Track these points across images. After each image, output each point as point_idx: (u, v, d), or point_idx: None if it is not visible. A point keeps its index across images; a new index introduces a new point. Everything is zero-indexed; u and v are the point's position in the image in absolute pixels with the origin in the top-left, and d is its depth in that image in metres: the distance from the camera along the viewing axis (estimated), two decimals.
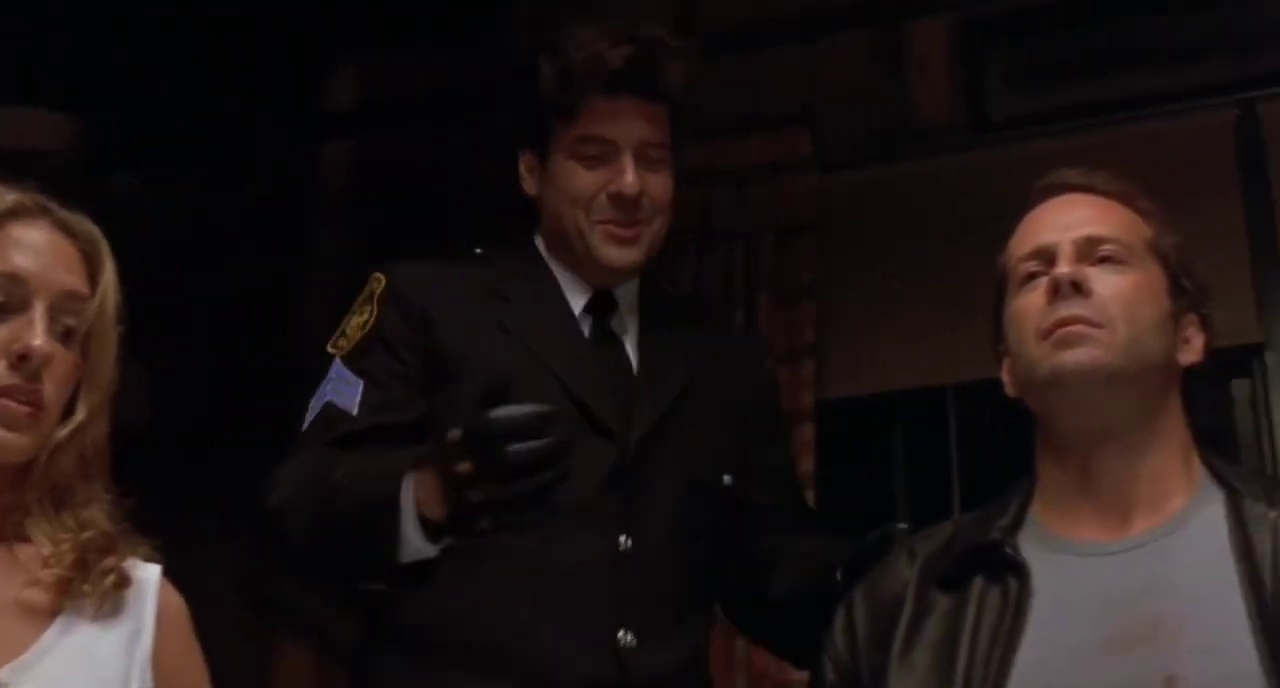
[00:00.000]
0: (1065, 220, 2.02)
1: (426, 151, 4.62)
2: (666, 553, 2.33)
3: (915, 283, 3.96)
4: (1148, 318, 1.95)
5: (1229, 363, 3.80)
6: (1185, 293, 2.02)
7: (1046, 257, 1.99)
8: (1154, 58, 4.05)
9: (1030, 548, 1.93)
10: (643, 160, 2.44)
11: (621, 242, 2.44)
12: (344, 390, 2.38)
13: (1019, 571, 1.89)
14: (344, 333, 2.45)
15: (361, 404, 2.36)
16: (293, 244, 4.65)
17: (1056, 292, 1.94)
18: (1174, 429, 1.98)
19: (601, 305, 2.49)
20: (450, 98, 4.58)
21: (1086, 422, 1.94)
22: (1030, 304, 1.97)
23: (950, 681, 1.84)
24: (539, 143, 2.48)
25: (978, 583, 1.92)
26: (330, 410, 2.37)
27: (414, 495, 2.17)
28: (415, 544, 2.18)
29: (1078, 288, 1.93)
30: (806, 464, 3.90)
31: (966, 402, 3.98)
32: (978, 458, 3.99)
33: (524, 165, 2.53)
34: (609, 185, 2.42)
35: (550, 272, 2.50)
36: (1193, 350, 2.01)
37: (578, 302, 2.48)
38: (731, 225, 4.17)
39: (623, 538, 2.30)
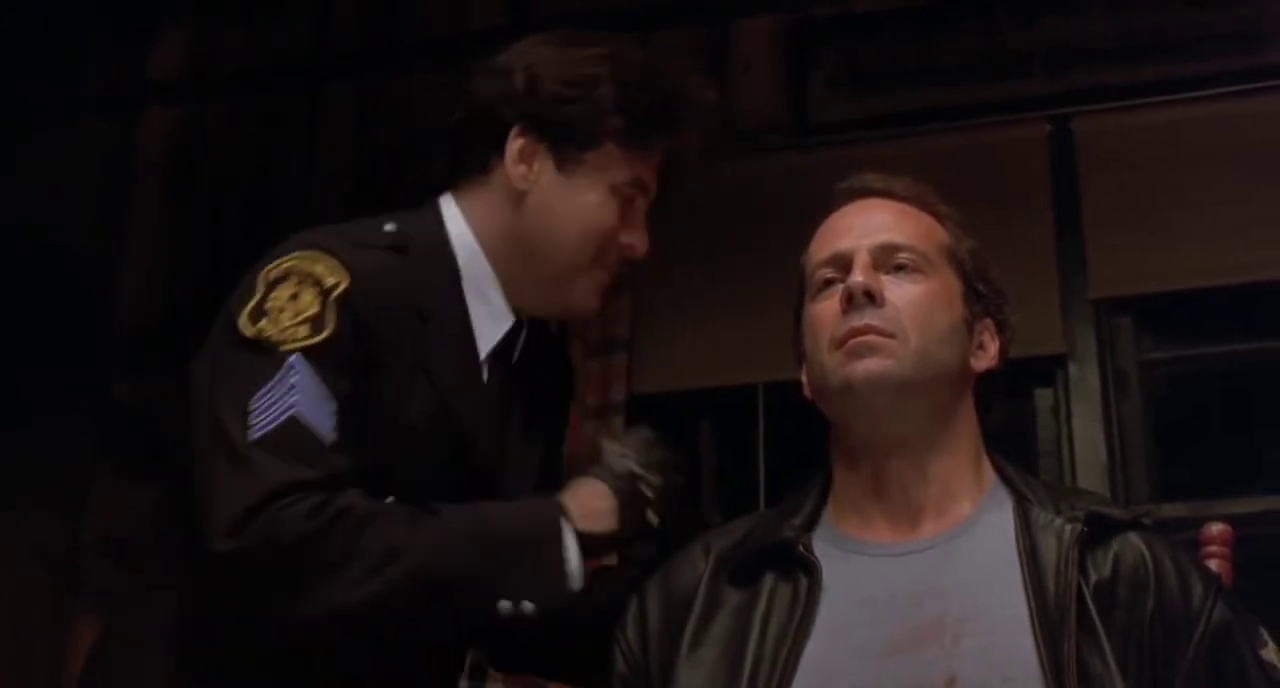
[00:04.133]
0: (863, 226, 2.04)
1: (254, 122, 4.57)
2: None
3: (729, 281, 3.98)
4: (941, 326, 1.98)
5: (1032, 372, 3.89)
6: (981, 299, 2.05)
7: (843, 263, 2.01)
8: (973, 70, 4.10)
9: (822, 547, 1.95)
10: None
11: (602, 294, 2.25)
12: (315, 407, 1.96)
13: (810, 569, 1.91)
14: (277, 315, 2.01)
15: (340, 435, 1.97)
16: (114, 213, 4.57)
17: (850, 301, 1.96)
18: (966, 435, 2.01)
19: (513, 334, 2.21)
20: (281, 69, 4.54)
21: (877, 430, 1.96)
22: (825, 311, 1.99)
23: (738, 675, 1.86)
24: (571, 145, 2.18)
25: (769, 580, 1.93)
26: (298, 429, 1.94)
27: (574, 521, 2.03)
28: (575, 567, 2.03)
29: (871, 297, 1.95)
30: None
31: (775, 400, 4.00)
32: (785, 457, 4.02)
33: (519, 147, 2.19)
34: (624, 234, 2.20)
35: (460, 284, 2.17)
36: (987, 357, 2.04)
37: (496, 328, 2.17)
38: None
39: None
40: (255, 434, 1.93)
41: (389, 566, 1.91)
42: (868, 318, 1.95)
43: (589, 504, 2.07)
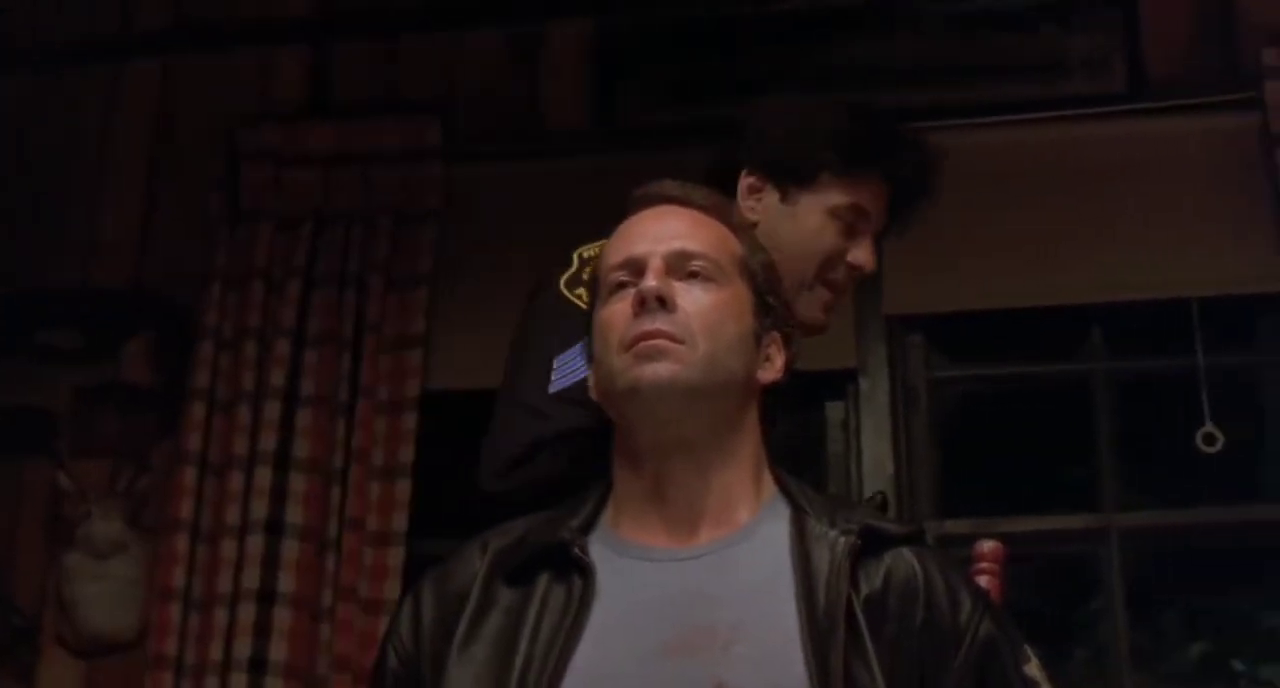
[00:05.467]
0: (658, 232, 2.05)
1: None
2: None
3: (528, 280, 3.95)
4: (730, 335, 1.99)
5: (824, 385, 3.93)
6: (770, 311, 2.07)
7: (636, 267, 2.02)
8: (780, 85, 4.13)
9: (599, 550, 1.95)
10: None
11: (829, 307, 2.59)
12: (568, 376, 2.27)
13: (584, 571, 1.91)
14: (575, 292, 2.35)
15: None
16: None
17: (642, 305, 1.97)
18: (748, 445, 2.02)
19: None
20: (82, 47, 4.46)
21: (662, 434, 1.97)
22: (617, 314, 2.00)
23: (507, 674, 1.86)
24: (792, 180, 2.54)
25: (544, 581, 1.93)
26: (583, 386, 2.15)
27: None
28: None
29: (663, 303, 1.96)
30: (406, 454, 3.90)
31: None
32: None
33: (748, 185, 2.57)
34: (850, 254, 2.56)
35: None
36: (773, 369, 2.06)
37: None
38: (352, 207, 4.13)
39: None
40: (554, 387, 2.26)
41: None
42: (658, 323, 1.96)
43: None
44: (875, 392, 3.94)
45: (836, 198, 2.54)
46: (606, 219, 2.18)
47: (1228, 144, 3.95)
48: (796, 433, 2.26)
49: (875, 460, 3.88)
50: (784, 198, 2.56)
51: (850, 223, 2.54)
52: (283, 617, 3.79)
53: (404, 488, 3.89)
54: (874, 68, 4.11)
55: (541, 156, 4.20)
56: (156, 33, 4.42)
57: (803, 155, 2.55)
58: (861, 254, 2.56)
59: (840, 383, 3.96)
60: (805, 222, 2.54)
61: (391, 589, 3.76)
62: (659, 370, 1.94)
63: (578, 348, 2.22)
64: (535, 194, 4.12)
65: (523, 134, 4.23)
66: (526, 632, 1.89)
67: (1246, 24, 4.03)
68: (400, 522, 3.86)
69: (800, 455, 2.17)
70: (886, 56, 4.12)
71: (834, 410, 4.01)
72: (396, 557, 3.83)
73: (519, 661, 1.86)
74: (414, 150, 4.14)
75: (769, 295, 2.08)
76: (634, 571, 1.94)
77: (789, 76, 4.13)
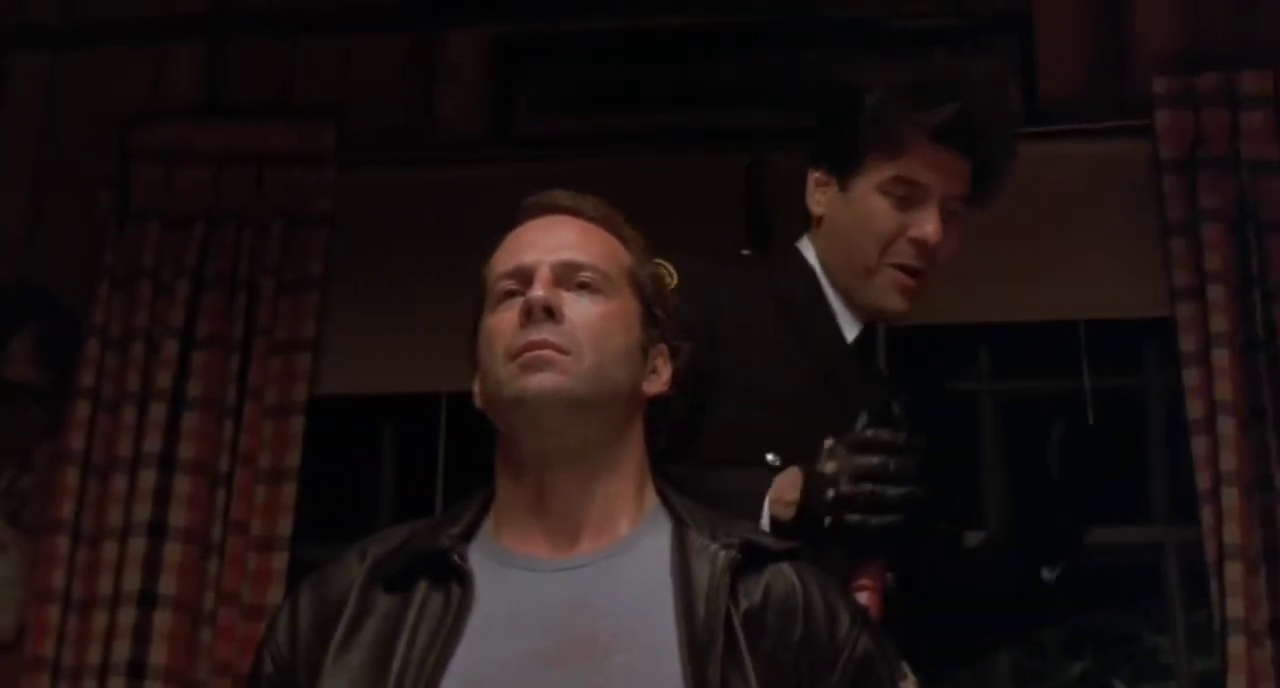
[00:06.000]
0: (548, 242, 2.05)
1: None
2: None
3: (421, 288, 3.96)
4: (617, 347, 1.99)
5: None
6: (658, 324, 2.08)
7: (525, 277, 2.01)
8: (679, 98, 4.15)
9: (478, 559, 1.95)
10: (944, 212, 2.48)
11: (905, 289, 2.50)
12: None
13: (463, 579, 1.91)
14: None
15: None
16: None
17: (529, 314, 1.96)
18: (632, 457, 2.03)
19: (870, 340, 2.58)
20: None
21: (545, 445, 1.97)
22: (503, 323, 2.00)
23: (383, 681, 1.85)
24: (844, 167, 2.50)
25: (422, 588, 1.92)
26: None
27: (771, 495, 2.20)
28: None
29: (550, 313, 1.96)
30: (293, 458, 3.88)
31: (459, 410, 4.00)
32: (466, 466, 4.02)
33: (815, 181, 2.55)
34: (910, 229, 2.47)
35: (823, 292, 2.53)
36: (659, 381, 2.07)
37: (849, 331, 2.52)
38: (244, 209, 4.08)
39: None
40: None
41: None
42: (545, 333, 1.95)
43: (782, 493, 2.20)
44: None
45: (881, 174, 2.47)
46: (502, 228, 2.16)
47: (1119, 170, 3.99)
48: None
49: None
50: (843, 188, 2.51)
51: (903, 196, 2.47)
52: (163, 620, 3.76)
53: (289, 492, 3.87)
54: (768, 84, 4.13)
55: (437, 163, 4.17)
56: (46, 26, 4.35)
57: (844, 140, 2.50)
58: (922, 228, 2.47)
59: None
60: (859, 206, 2.49)
61: (275, 594, 3.73)
62: (544, 381, 1.93)
63: None
64: (430, 201, 4.10)
65: (419, 140, 4.21)
66: (404, 639, 1.88)
67: (1139, 53, 4.09)
68: (285, 526, 3.84)
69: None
70: (782, 74, 4.12)
71: None
72: (280, 562, 3.81)
73: (395, 667, 1.85)
74: (308, 153, 4.10)
75: (657, 307, 2.09)
76: (514, 580, 1.93)
77: (682, 91, 4.14)
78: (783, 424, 2.35)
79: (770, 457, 2.29)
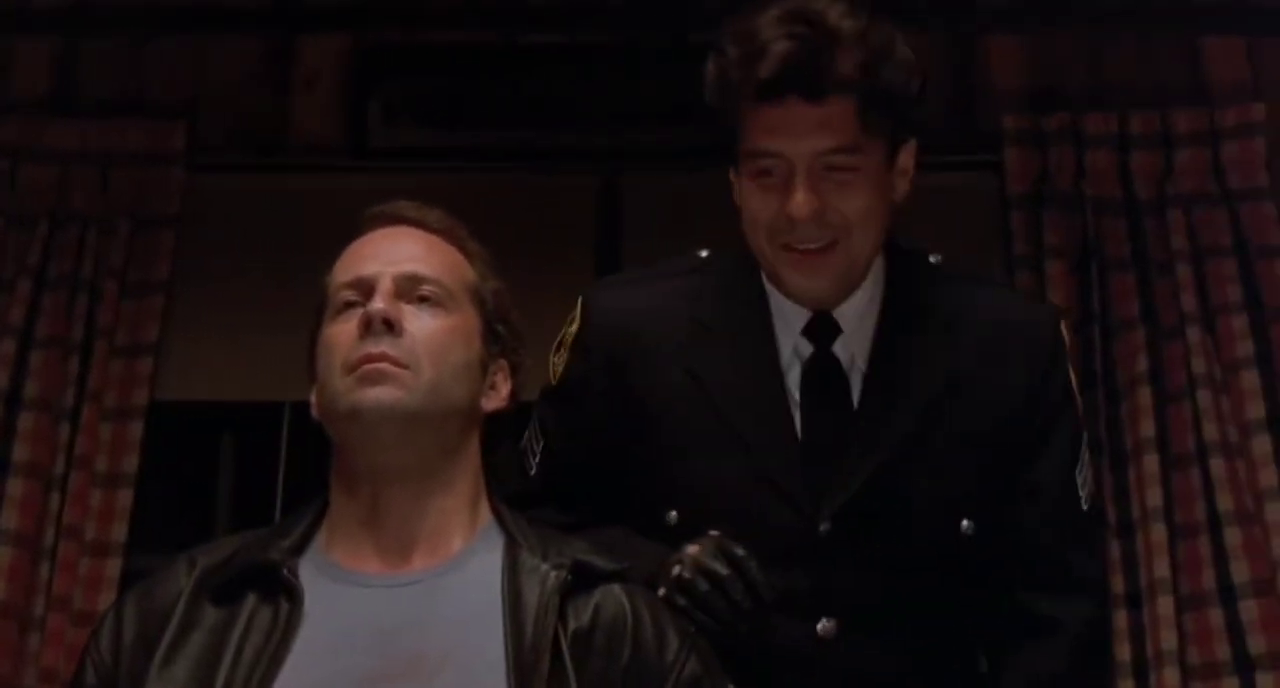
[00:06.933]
0: (390, 254, 2.03)
1: None
2: (876, 636, 2.19)
3: (267, 296, 3.93)
4: (456, 362, 1.99)
5: None
6: (499, 340, 2.08)
7: (365, 288, 2.00)
8: (534, 116, 4.15)
9: (309, 573, 1.93)
10: (821, 173, 2.13)
11: (806, 268, 2.19)
12: (532, 445, 2.37)
13: (292, 594, 1.89)
14: (553, 363, 2.37)
15: (539, 468, 2.35)
16: None
17: (368, 326, 1.95)
18: (467, 473, 2.02)
19: (824, 328, 2.25)
20: None
21: (380, 459, 1.96)
22: (342, 334, 1.98)
23: None
24: (729, 158, 2.22)
25: (250, 601, 1.90)
26: (520, 461, 2.37)
27: None
28: None
29: (390, 326, 1.95)
30: (130, 463, 3.83)
31: (301, 420, 3.97)
32: (306, 477, 3.99)
33: (732, 178, 2.25)
34: (787, 208, 2.13)
35: (764, 291, 2.28)
36: (498, 397, 2.07)
37: (796, 323, 2.25)
38: (89, 209, 4.03)
39: (822, 624, 2.18)
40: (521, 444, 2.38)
41: None
42: (384, 346, 1.94)
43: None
44: None
45: (740, 156, 2.19)
46: (351, 238, 2.14)
47: (968, 204, 4.05)
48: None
49: None
50: (737, 178, 2.23)
51: (763, 170, 2.16)
52: None
53: (125, 498, 3.82)
54: (625, 104, 4.13)
55: (288, 171, 4.15)
56: None
57: (721, 134, 2.21)
58: (787, 202, 2.14)
59: None
60: (741, 196, 2.22)
61: (106, 601, 3.66)
62: (381, 395, 1.92)
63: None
64: (280, 208, 4.08)
65: (271, 147, 4.17)
66: (229, 653, 1.86)
67: (989, 90, 4.15)
68: (120, 532, 3.79)
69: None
70: (639, 94, 4.13)
71: None
72: (114, 568, 3.76)
73: (220, 681, 1.83)
74: (156, 154, 4.05)
75: (498, 323, 2.08)
76: (344, 596, 1.92)
77: (538, 109, 4.14)
78: (689, 476, 2.25)
79: (672, 513, 2.23)
